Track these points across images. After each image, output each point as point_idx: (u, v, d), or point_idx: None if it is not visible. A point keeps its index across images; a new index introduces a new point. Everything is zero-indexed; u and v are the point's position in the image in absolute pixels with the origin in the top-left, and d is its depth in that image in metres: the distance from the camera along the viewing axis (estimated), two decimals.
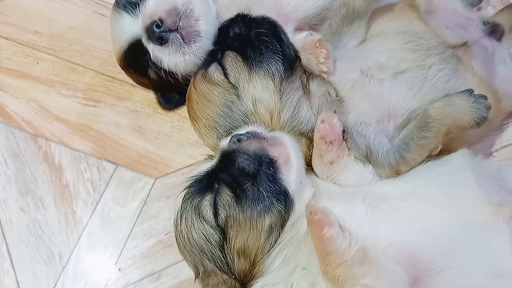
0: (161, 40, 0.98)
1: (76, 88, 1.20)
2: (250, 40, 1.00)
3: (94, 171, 1.11)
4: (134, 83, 1.19)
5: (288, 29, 1.14)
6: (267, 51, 0.98)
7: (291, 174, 0.85)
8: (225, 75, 0.98)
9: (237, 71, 0.98)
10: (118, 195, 1.09)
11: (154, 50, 1.00)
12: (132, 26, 1.02)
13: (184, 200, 0.86)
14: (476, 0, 1.31)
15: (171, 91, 1.14)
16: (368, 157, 0.99)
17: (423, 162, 0.97)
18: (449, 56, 1.03)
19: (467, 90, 0.93)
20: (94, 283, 1.05)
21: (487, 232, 0.85)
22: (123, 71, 1.14)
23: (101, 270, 1.05)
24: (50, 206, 1.07)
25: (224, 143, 0.90)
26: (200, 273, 0.87)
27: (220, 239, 0.83)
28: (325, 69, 1.00)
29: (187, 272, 0.93)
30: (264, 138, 0.88)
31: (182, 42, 0.99)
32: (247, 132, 0.89)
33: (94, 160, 1.12)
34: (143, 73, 1.09)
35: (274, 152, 0.85)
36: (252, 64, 0.97)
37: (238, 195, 0.82)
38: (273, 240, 0.83)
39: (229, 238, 0.83)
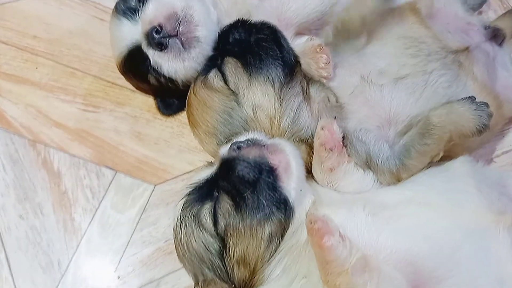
0: (160, 46, 0.97)
1: (75, 93, 1.20)
2: (250, 46, 0.99)
3: (93, 177, 1.11)
4: (134, 89, 1.19)
5: (289, 33, 1.13)
6: (267, 57, 0.97)
7: (291, 182, 0.84)
8: (225, 81, 0.98)
9: (237, 78, 0.97)
10: (117, 202, 1.09)
11: (154, 56, 1.00)
12: (131, 32, 1.02)
13: (184, 208, 0.86)
14: (477, 4, 1.30)
15: (171, 96, 1.13)
16: (368, 164, 0.98)
17: (424, 169, 0.96)
18: (450, 62, 1.03)
19: (469, 97, 0.93)
20: None
21: (488, 240, 0.84)
22: (122, 76, 1.13)
23: (100, 277, 1.04)
24: (49, 212, 1.07)
25: (224, 150, 0.89)
26: (200, 282, 0.86)
27: (220, 247, 0.83)
28: (325, 74, 1.00)
29: (187, 280, 0.93)
30: (264, 146, 0.87)
31: (182, 48, 0.98)
32: (247, 140, 0.88)
33: (93, 166, 1.12)
34: (143, 79, 1.08)
35: (274, 160, 0.85)
36: (252, 70, 0.97)
37: (238, 203, 0.81)
38: (273, 248, 0.82)
39: (229, 247, 0.82)
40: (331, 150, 0.94)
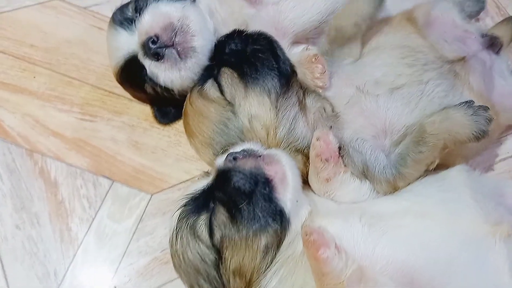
0: (157, 56, 0.98)
1: (72, 102, 1.20)
2: (246, 57, 0.99)
3: (90, 187, 1.10)
4: (131, 97, 1.19)
5: (285, 42, 1.13)
6: (263, 67, 0.98)
7: (287, 193, 0.84)
8: (221, 92, 0.98)
9: (233, 88, 0.97)
10: (114, 211, 1.09)
11: (150, 66, 1.00)
12: (128, 42, 1.02)
13: (180, 219, 0.86)
14: (475, 11, 1.31)
15: (168, 105, 1.13)
16: (365, 173, 0.98)
17: (420, 177, 0.96)
18: (447, 71, 1.03)
19: (466, 102, 0.92)
20: None
21: (485, 251, 0.84)
22: (119, 85, 1.13)
23: (96, 287, 1.03)
24: (46, 222, 1.06)
25: (220, 161, 0.89)
26: None
27: (216, 259, 0.82)
28: (321, 84, 1.00)
29: None
30: (260, 156, 0.87)
31: (178, 58, 0.99)
32: (243, 150, 0.88)
33: (90, 175, 1.12)
34: (139, 88, 1.08)
35: (270, 171, 0.85)
36: (248, 81, 0.97)
37: (234, 214, 0.82)
38: (269, 260, 0.82)
39: (225, 258, 0.82)
40: (327, 161, 0.94)
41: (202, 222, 0.84)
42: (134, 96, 1.17)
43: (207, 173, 0.96)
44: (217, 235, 0.82)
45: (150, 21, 0.98)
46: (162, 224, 1.07)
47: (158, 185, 1.12)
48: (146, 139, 1.17)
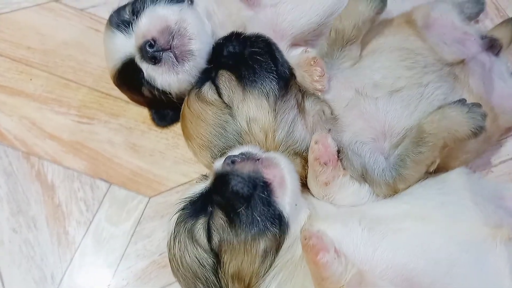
0: (154, 60, 0.97)
1: (69, 105, 1.19)
2: (244, 59, 0.99)
3: (87, 190, 1.10)
4: (129, 100, 1.18)
5: (284, 45, 1.13)
6: (261, 70, 0.97)
7: (286, 197, 0.84)
8: (219, 94, 0.97)
9: (231, 91, 0.97)
10: (112, 215, 1.08)
11: (147, 69, 0.99)
12: (125, 45, 1.01)
13: (178, 223, 0.85)
14: (474, 13, 1.30)
15: (165, 108, 1.13)
16: (364, 176, 0.97)
17: (420, 179, 0.95)
18: (446, 74, 1.02)
19: (459, 100, 0.92)
20: None
21: (485, 254, 0.84)
22: (116, 88, 1.13)
23: None
24: (43, 226, 1.06)
25: (218, 164, 0.88)
26: None
27: (214, 263, 0.82)
28: (320, 87, 0.99)
29: None
30: (258, 159, 0.87)
31: (175, 61, 0.98)
32: (241, 153, 0.88)
33: (87, 178, 1.11)
34: (136, 91, 1.08)
35: (268, 174, 0.84)
36: (246, 84, 0.96)
37: (232, 218, 0.81)
38: (268, 264, 0.82)
39: (223, 262, 0.81)
40: (325, 164, 0.93)
41: (200, 226, 0.83)
42: (132, 99, 1.16)
43: (205, 176, 0.95)
44: (215, 239, 0.81)
45: (147, 24, 0.97)
46: (160, 227, 1.07)
47: (156, 188, 1.11)
48: (143, 142, 1.16)
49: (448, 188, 0.94)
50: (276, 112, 0.95)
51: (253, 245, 0.80)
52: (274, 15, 1.11)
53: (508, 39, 1.18)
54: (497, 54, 1.14)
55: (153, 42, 0.96)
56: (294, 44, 1.18)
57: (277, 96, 0.96)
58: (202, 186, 0.90)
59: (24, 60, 1.24)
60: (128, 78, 1.05)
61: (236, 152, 0.89)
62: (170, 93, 1.02)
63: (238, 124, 0.96)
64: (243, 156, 0.87)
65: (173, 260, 0.86)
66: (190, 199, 0.88)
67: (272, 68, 0.97)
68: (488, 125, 0.90)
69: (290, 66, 1.02)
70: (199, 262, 0.82)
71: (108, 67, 1.08)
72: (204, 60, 1.01)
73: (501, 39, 1.15)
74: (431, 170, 0.95)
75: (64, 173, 1.11)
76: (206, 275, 0.83)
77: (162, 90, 1.02)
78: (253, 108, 0.95)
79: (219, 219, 0.82)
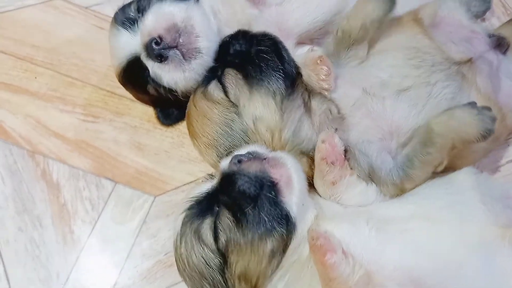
0: (160, 58, 0.96)
1: (74, 103, 1.19)
2: (250, 57, 0.98)
3: (93, 189, 1.09)
4: (134, 98, 1.18)
5: (290, 43, 1.12)
6: (267, 68, 0.96)
7: (293, 197, 0.83)
8: (225, 93, 0.97)
9: (237, 89, 0.96)
10: (117, 214, 1.07)
11: (153, 67, 0.99)
12: (130, 43, 1.01)
13: (184, 223, 0.85)
14: (481, 11, 1.29)
15: (171, 107, 1.12)
16: (371, 176, 0.97)
17: (428, 179, 0.95)
18: (454, 73, 1.01)
19: (469, 103, 0.91)
20: None
21: (493, 254, 0.83)
22: (122, 86, 1.12)
23: None
24: (48, 225, 1.05)
25: (224, 164, 0.88)
26: None
27: (221, 263, 0.81)
28: (326, 86, 0.98)
29: None
30: (265, 159, 0.86)
31: (182, 59, 0.97)
32: (248, 153, 0.87)
33: (92, 177, 1.10)
34: (142, 89, 1.07)
35: (275, 174, 0.84)
36: (253, 82, 0.95)
37: (239, 218, 0.80)
38: (275, 264, 0.81)
39: (230, 263, 0.81)
40: (332, 164, 0.93)
41: (206, 226, 0.82)
42: (137, 97, 1.16)
43: (211, 176, 0.94)
44: (222, 239, 0.81)
45: (153, 22, 0.96)
46: (166, 226, 1.06)
47: (161, 187, 1.11)
48: (148, 141, 1.16)
49: (456, 188, 0.93)
50: (283, 111, 0.95)
51: (260, 245, 0.79)
52: (279, 13, 1.10)
53: None
54: (504, 52, 1.13)
55: (159, 40, 0.95)
56: (300, 43, 1.17)
57: (284, 95, 0.95)
58: (208, 186, 0.89)
59: (28, 58, 1.23)
60: (134, 76, 1.04)
61: (242, 151, 0.89)
62: (176, 91, 1.02)
63: (245, 123, 0.95)
64: (250, 156, 0.86)
65: (179, 260, 0.85)
66: (196, 198, 0.88)
67: (279, 67, 0.97)
68: (496, 126, 0.89)
69: (296, 64, 1.01)
70: (206, 262, 0.82)
71: (113, 65, 1.08)
72: (210, 58, 1.01)
73: (509, 38, 1.14)
74: (439, 170, 0.94)
75: (69, 172, 1.11)
76: (213, 275, 0.83)
77: (168, 88, 1.01)
78: (259, 107, 0.94)
79: (226, 219, 0.81)
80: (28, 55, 1.24)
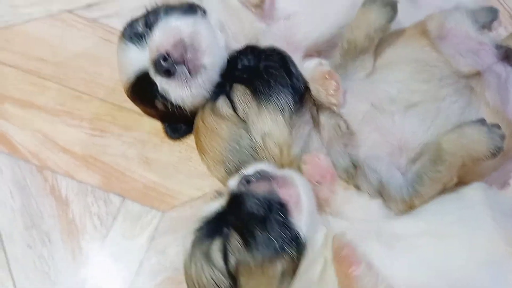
0: (168, 73, 0.96)
1: (82, 117, 1.18)
2: (259, 73, 0.98)
3: (101, 204, 1.09)
4: (141, 112, 1.17)
5: (297, 56, 1.12)
6: (276, 84, 0.96)
7: (302, 217, 0.83)
8: (234, 109, 0.97)
9: (246, 105, 0.96)
10: (126, 230, 1.07)
11: (161, 83, 0.99)
12: (138, 58, 1.00)
13: (193, 244, 0.84)
14: (488, 22, 1.29)
15: (179, 121, 1.12)
16: (380, 192, 0.96)
17: (437, 195, 0.94)
18: (462, 87, 1.01)
19: (479, 120, 0.91)
20: None
21: (504, 271, 0.82)
22: (129, 100, 1.12)
23: None
24: (57, 241, 1.05)
25: (233, 183, 0.87)
26: None
27: (231, 285, 0.81)
28: (335, 101, 0.98)
29: None
30: (273, 178, 0.86)
31: (189, 75, 0.97)
32: (256, 172, 0.87)
33: (101, 193, 1.10)
34: (150, 104, 1.07)
35: (284, 194, 0.83)
36: (261, 98, 0.95)
37: (248, 240, 0.80)
38: (286, 286, 0.81)
39: (240, 284, 0.80)
40: (319, 183, 0.93)
41: (215, 247, 0.82)
42: (145, 112, 1.16)
43: (219, 193, 0.94)
44: (232, 261, 0.80)
45: (160, 38, 0.96)
46: (174, 242, 1.06)
47: (169, 202, 1.11)
48: (156, 155, 1.16)
49: (465, 204, 0.93)
50: (292, 126, 0.95)
51: (270, 267, 0.79)
52: (287, 27, 1.10)
53: None
54: None
55: (167, 56, 0.95)
56: (308, 55, 1.17)
57: (292, 110, 0.95)
58: (216, 205, 0.89)
59: (36, 72, 1.23)
60: (142, 91, 1.04)
61: (250, 170, 0.88)
62: (183, 108, 1.01)
63: (253, 139, 0.95)
64: (258, 175, 0.86)
65: (189, 281, 0.85)
66: (205, 218, 0.87)
67: (287, 82, 0.97)
68: (506, 140, 0.89)
69: (305, 79, 1.01)
70: (216, 284, 0.81)
71: (121, 80, 1.08)
72: (217, 73, 1.01)
73: None
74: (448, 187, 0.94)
75: (77, 187, 1.10)
76: None
77: (175, 104, 1.01)
78: (268, 123, 0.94)
79: (235, 240, 0.81)
80: (36, 69, 1.24)
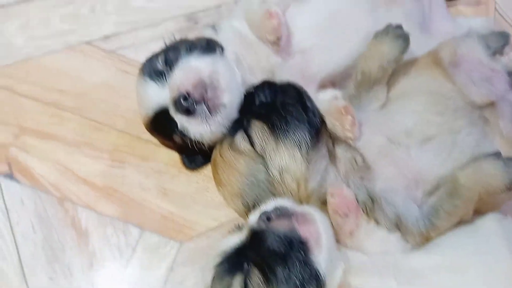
0: (188, 112, 0.98)
1: (101, 148, 1.21)
2: (276, 109, 1.00)
3: (121, 236, 1.11)
4: (159, 143, 1.20)
5: (312, 88, 1.14)
6: (293, 120, 0.98)
7: (322, 255, 0.84)
8: (251, 144, 0.98)
9: (263, 141, 0.98)
10: (145, 261, 1.08)
11: (181, 121, 1.01)
12: (158, 95, 1.03)
13: (214, 281, 0.86)
14: (499, 47, 1.29)
15: (196, 153, 1.14)
16: (398, 225, 0.97)
17: (454, 226, 0.95)
18: (477, 118, 1.02)
19: (495, 153, 0.93)
20: None
21: None
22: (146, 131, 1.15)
23: None
24: (78, 273, 1.06)
25: (253, 219, 0.89)
26: None
27: None
28: (351, 136, 1.00)
29: None
30: (293, 215, 0.87)
31: (209, 114, 0.99)
32: (276, 208, 0.88)
33: (120, 224, 1.12)
34: (168, 138, 1.09)
35: (304, 232, 0.84)
36: (279, 134, 0.97)
37: (269, 277, 0.81)
38: None
39: None
40: (346, 215, 0.94)
41: (236, 283, 0.83)
42: (162, 143, 1.18)
43: (237, 227, 0.96)
44: None
45: (181, 77, 0.99)
46: (192, 273, 1.07)
47: (187, 233, 1.12)
48: (174, 185, 1.17)
49: (482, 236, 0.93)
50: (309, 161, 0.96)
51: None
52: (303, 61, 1.12)
53: None
54: None
55: (187, 96, 0.97)
56: (322, 86, 1.19)
57: (309, 145, 0.96)
58: (236, 239, 0.90)
59: (56, 104, 1.26)
60: (161, 126, 1.07)
61: (270, 206, 0.90)
62: (202, 143, 1.03)
63: (271, 174, 0.96)
64: (278, 212, 0.87)
65: None
66: (224, 253, 0.89)
67: (304, 118, 0.98)
68: None
69: (321, 114, 1.02)
70: None
71: (140, 114, 1.10)
72: (236, 110, 1.03)
73: None
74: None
75: (97, 219, 1.12)
76: None
77: (194, 139, 1.03)
78: (285, 158, 0.96)
79: (256, 277, 0.82)
80: (56, 101, 1.26)
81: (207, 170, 1.17)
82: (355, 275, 0.88)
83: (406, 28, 1.07)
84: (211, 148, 1.07)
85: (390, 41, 1.05)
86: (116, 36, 1.38)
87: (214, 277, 0.86)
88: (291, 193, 0.96)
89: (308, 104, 1.01)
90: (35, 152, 1.20)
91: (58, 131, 1.23)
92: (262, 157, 0.97)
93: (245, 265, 0.84)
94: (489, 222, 0.95)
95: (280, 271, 0.81)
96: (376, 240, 0.97)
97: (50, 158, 1.19)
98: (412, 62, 1.13)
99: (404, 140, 0.99)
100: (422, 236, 0.95)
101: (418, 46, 1.14)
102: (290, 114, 0.99)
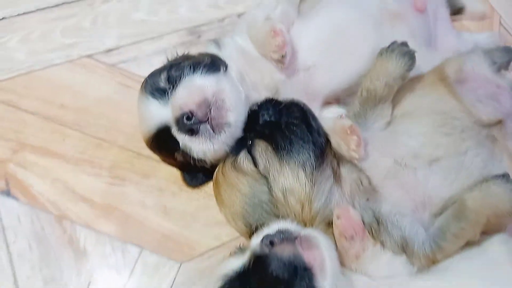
0: (191, 132, 0.96)
1: (101, 166, 1.18)
2: (280, 129, 0.98)
3: (119, 255, 1.08)
4: (159, 159, 1.18)
5: (316, 105, 1.13)
6: (297, 140, 0.96)
7: (327, 280, 0.82)
8: (255, 164, 0.96)
9: (267, 161, 0.96)
10: (143, 281, 1.06)
11: (184, 140, 0.99)
12: (160, 113, 1.01)
13: None
14: (505, 62, 1.28)
15: (197, 171, 1.12)
16: (404, 249, 0.95)
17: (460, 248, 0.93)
18: (484, 138, 1.00)
19: (503, 176, 0.90)
20: None
21: None
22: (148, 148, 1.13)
23: None
24: None
25: (255, 244, 0.87)
26: None
27: None
28: (356, 156, 0.98)
29: None
30: (296, 238, 0.85)
31: (212, 133, 0.97)
32: (279, 231, 0.86)
33: (119, 243, 1.09)
34: (170, 155, 1.07)
35: (308, 257, 0.82)
36: (283, 154, 0.95)
37: None
38: None
39: None
40: (352, 238, 0.92)
41: None
42: (164, 160, 1.16)
43: (240, 249, 0.93)
44: None
45: (184, 96, 0.97)
46: None
47: (187, 253, 1.10)
48: (174, 203, 1.15)
49: (489, 260, 0.91)
50: (313, 182, 0.94)
51: None
52: (307, 78, 1.11)
53: None
54: None
55: (190, 115, 0.95)
56: (326, 103, 1.17)
57: (314, 166, 0.94)
58: (238, 263, 0.88)
59: (56, 119, 1.23)
60: (163, 144, 1.04)
61: (272, 229, 0.88)
62: (204, 161, 1.01)
63: (274, 195, 0.94)
64: (281, 235, 0.85)
65: None
66: (226, 277, 0.86)
67: (309, 138, 0.96)
68: None
69: (325, 133, 1.00)
70: None
71: (141, 131, 1.08)
72: (240, 129, 1.01)
73: None
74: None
75: (96, 238, 1.10)
76: None
77: (197, 157, 1.01)
78: (289, 180, 0.94)
79: None
80: (56, 116, 1.24)
81: (208, 187, 1.15)
82: None
83: (411, 44, 1.05)
84: (214, 166, 1.05)
85: (396, 58, 1.03)
86: (118, 49, 1.36)
87: None
88: (294, 215, 0.94)
89: (313, 123, 0.99)
90: (34, 168, 1.17)
91: (58, 148, 1.20)
92: (265, 177, 0.95)
93: None
94: (496, 245, 0.93)
95: None
96: (381, 263, 0.95)
97: (49, 175, 1.17)
98: (418, 79, 1.12)
99: (411, 162, 0.97)
100: (428, 259, 0.93)
101: (423, 62, 1.12)
102: (295, 134, 0.97)
